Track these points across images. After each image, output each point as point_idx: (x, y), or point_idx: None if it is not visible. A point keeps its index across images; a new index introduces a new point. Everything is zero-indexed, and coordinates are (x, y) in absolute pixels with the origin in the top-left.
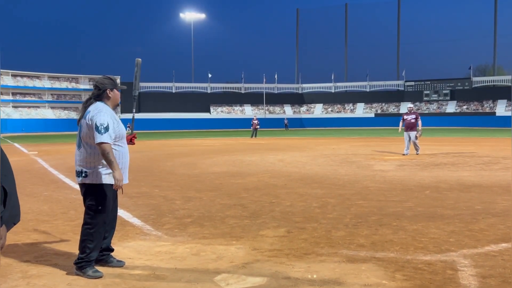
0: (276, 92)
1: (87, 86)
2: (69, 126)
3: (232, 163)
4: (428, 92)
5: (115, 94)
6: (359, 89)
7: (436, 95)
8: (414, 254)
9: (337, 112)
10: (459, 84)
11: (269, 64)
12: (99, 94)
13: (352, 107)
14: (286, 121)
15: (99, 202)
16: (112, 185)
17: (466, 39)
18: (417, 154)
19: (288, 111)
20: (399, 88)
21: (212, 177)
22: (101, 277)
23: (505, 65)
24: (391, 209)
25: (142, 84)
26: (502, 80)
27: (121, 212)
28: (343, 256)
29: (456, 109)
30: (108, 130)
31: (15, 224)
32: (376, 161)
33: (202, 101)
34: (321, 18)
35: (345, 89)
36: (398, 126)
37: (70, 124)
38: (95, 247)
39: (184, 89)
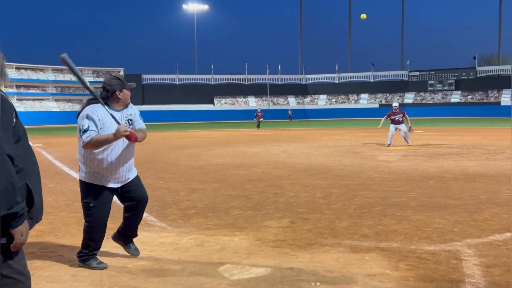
0: (280, 83)
1: (91, 79)
2: (73, 119)
3: (236, 154)
4: (432, 82)
5: (125, 95)
6: (363, 79)
7: (440, 85)
8: (418, 244)
9: (341, 103)
10: (463, 74)
11: (273, 55)
12: (107, 97)
13: (356, 98)
14: (290, 113)
15: (89, 199)
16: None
17: (470, 28)
18: (408, 145)
19: (292, 103)
20: (403, 78)
21: (216, 168)
22: (105, 268)
23: (510, 54)
24: (395, 199)
25: (145, 76)
26: (507, 69)
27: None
28: (346, 246)
29: (460, 99)
30: (86, 132)
31: (37, 222)
32: (380, 151)
33: (206, 93)
34: (324, 8)
35: (349, 79)
36: (382, 118)
37: (74, 117)
38: (96, 242)
39: (188, 81)
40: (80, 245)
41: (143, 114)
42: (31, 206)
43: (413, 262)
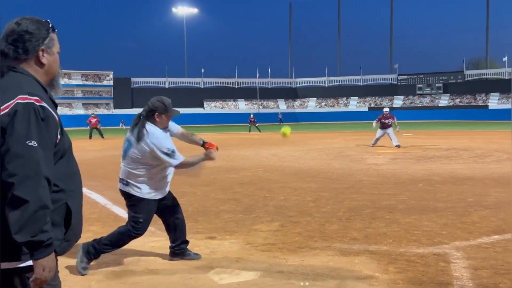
0: (269, 87)
1: (80, 82)
2: (63, 122)
3: (226, 157)
4: (421, 85)
5: (163, 120)
6: (352, 83)
7: (429, 89)
8: (407, 247)
9: (331, 106)
10: (452, 77)
11: (263, 59)
12: (148, 115)
13: (345, 101)
14: (280, 116)
15: (140, 215)
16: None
17: (458, 32)
18: (398, 147)
19: (281, 106)
20: (392, 82)
21: (206, 171)
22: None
23: (498, 58)
24: (384, 202)
25: (135, 79)
26: (494, 73)
27: (115, 208)
28: (336, 249)
29: (449, 103)
30: (175, 152)
31: (76, 241)
32: (370, 154)
33: (196, 96)
34: (314, 12)
35: (338, 83)
36: (374, 121)
37: (64, 120)
38: (117, 248)
39: (177, 84)
40: (95, 242)
41: (132, 118)
42: (68, 227)
43: (402, 265)
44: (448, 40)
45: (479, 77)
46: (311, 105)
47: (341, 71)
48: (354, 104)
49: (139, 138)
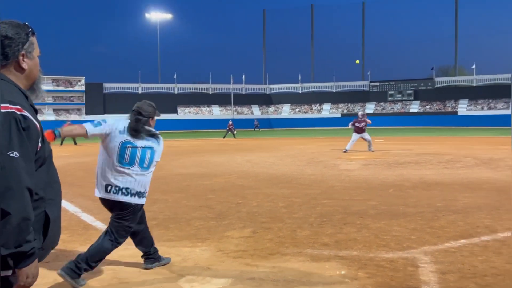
0: (244, 93)
1: (50, 87)
2: None
3: (200, 164)
4: (392, 92)
5: (154, 123)
6: (325, 89)
7: (400, 96)
8: (376, 252)
9: (305, 112)
10: (422, 84)
11: (237, 65)
12: (140, 120)
13: (319, 108)
14: (256, 123)
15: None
16: None
17: (428, 40)
18: (372, 151)
19: (256, 112)
20: (364, 88)
21: (179, 178)
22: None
23: (466, 65)
24: (356, 207)
25: (107, 85)
26: (463, 80)
27: (84, 216)
28: (307, 255)
29: (419, 109)
30: None
31: (53, 248)
32: (342, 160)
33: (169, 102)
34: (287, 19)
35: (312, 89)
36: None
37: None
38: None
39: (151, 90)
40: (79, 258)
41: None
42: (46, 235)
43: (372, 270)
44: (418, 48)
45: (448, 84)
46: (285, 111)
47: (315, 78)
48: (327, 110)
49: (159, 142)
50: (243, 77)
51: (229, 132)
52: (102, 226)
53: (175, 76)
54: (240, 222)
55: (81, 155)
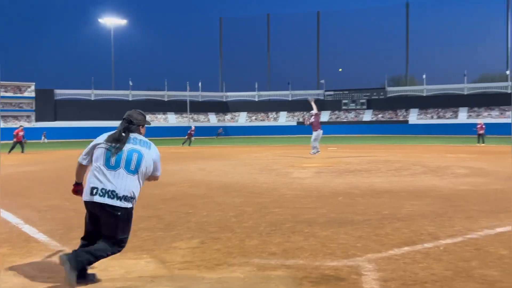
0: (200, 100)
1: None
2: None
3: None
4: (346, 101)
5: (144, 131)
6: (281, 98)
7: (353, 104)
8: (322, 260)
9: (261, 120)
10: (374, 94)
11: (193, 72)
12: (131, 129)
13: (275, 116)
14: (220, 130)
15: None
16: None
17: (381, 51)
18: (318, 152)
19: (212, 120)
20: (319, 97)
21: None
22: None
23: (417, 75)
24: (305, 215)
25: (58, 91)
26: (414, 90)
27: (26, 228)
28: (254, 265)
29: (372, 118)
30: None
31: None
32: (295, 168)
33: (123, 109)
34: (244, 27)
35: (268, 98)
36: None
37: None
38: None
39: (104, 97)
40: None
41: (55, 131)
42: None
43: (316, 279)
44: (371, 59)
45: (399, 93)
46: (242, 119)
47: (271, 86)
48: (284, 118)
49: (150, 147)
50: (200, 84)
51: (188, 139)
52: (45, 239)
53: (129, 83)
54: (189, 232)
55: (27, 163)
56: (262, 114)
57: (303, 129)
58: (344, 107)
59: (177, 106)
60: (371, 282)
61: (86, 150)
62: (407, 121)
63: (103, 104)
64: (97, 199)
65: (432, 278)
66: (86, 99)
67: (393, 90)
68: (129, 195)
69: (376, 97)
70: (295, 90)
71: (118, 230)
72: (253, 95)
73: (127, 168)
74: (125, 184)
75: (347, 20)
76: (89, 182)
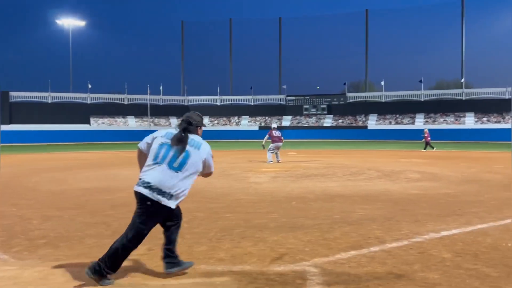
0: (161, 104)
1: None
2: None
3: (105, 177)
4: (307, 106)
5: (201, 132)
6: (243, 102)
7: (314, 110)
8: (269, 266)
9: (223, 125)
10: (335, 99)
11: (154, 76)
12: (190, 130)
13: (237, 120)
14: None
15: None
16: None
17: (341, 57)
18: (279, 161)
19: (173, 123)
20: (281, 102)
21: (79, 193)
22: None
23: (376, 81)
24: (257, 220)
25: (13, 93)
26: (373, 96)
27: None
28: (200, 271)
29: (332, 123)
30: None
31: None
32: (253, 173)
33: (81, 112)
34: (206, 31)
35: (230, 102)
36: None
37: None
38: None
39: (62, 99)
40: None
41: (11, 134)
42: None
43: (261, 284)
44: (331, 64)
45: (359, 99)
46: (204, 123)
47: (233, 91)
48: (246, 123)
49: (200, 148)
50: (161, 88)
51: None
52: None
53: (88, 86)
54: None
55: None
56: (224, 118)
57: (265, 134)
58: (305, 112)
59: (138, 110)
60: (315, 286)
61: (148, 140)
62: (366, 126)
63: (61, 107)
64: (137, 188)
65: (375, 282)
66: (43, 102)
67: (353, 96)
68: (167, 191)
69: (337, 102)
70: (257, 95)
71: (142, 220)
72: (215, 99)
73: (170, 164)
74: (166, 180)
75: (308, 27)
76: (141, 174)
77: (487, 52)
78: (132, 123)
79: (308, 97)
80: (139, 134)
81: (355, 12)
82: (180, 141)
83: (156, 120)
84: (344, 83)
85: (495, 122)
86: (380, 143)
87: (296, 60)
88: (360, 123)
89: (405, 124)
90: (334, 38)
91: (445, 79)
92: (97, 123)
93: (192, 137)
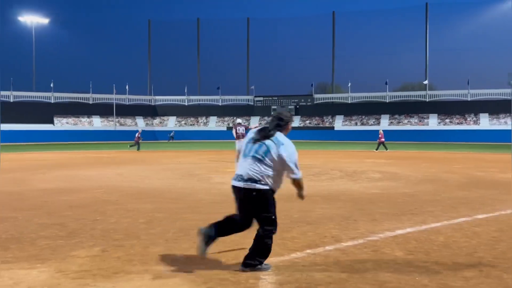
0: (127, 103)
1: None
2: None
3: (65, 178)
4: (275, 107)
5: (290, 128)
6: (211, 103)
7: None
8: (224, 266)
9: (191, 125)
10: (302, 100)
11: (120, 75)
12: (280, 125)
13: (205, 121)
14: (172, 134)
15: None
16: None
17: (309, 58)
18: None
19: (140, 123)
20: (249, 103)
21: (37, 194)
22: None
23: (342, 83)
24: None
25: None
26: (339, 97)
27: None
28: (153, 272)
29: (300, 124)
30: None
31: None
32: (218, 173)
33: (45, 112)
34: (173, 31)
35: (198, 102)
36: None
37: None
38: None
39: (24, 99)
40: (252, 254)
41: None
42: None
43: (214, 284)
44: (299, 66)
45: (326, 101)
46: (171, 123)
47: (201, 90)
48: (214, 123)
49: (279, 146)
50: (127, 87)
51: (137, 143)
52: None
53: (51, 85)
54: (92, 240)
55: None
56: (192, 119)
57: (232, 134)
58: (273, 113)
59: (103, 110)
60: (267, 285)
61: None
62: (333, 127)
63: (23, 106)
64: (234, 183)
65: (327, 281)
66: (4, 100)
67: (320, 97)
68: (258, 178)
69: (304, 103)
70: (225, 95)
71: (261, 209)
72: (183, 99)
73: (254, 155)
74: (253, 169)
75: (276, 28)
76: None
77: (450, 55)
78: (97, 123)
79: (276, 98)
80: (104, 135)
81: (322, 14)
82: (265, 137)
83: (122, 120)
84: (312, 85)
85: (457, 123)
86: (346, 144)
87: (264, 61)
88: (327, 124)
89: (370, 125)
90: (302, 39)
91: (410, 81)
92: (61, 123)
93: (277, 136)
